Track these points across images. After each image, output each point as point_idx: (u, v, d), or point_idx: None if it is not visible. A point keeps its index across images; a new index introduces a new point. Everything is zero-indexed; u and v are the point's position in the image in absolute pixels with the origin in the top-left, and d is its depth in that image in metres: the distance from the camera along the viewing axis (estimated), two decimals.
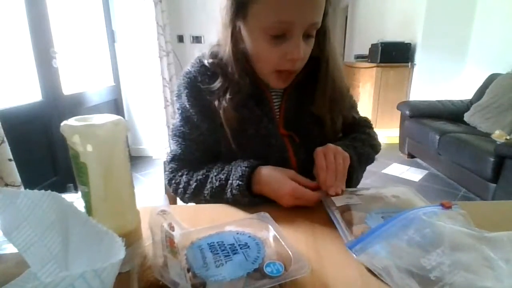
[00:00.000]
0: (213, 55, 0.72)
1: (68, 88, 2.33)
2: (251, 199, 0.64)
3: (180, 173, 0.74)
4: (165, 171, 0.79)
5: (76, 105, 2.44)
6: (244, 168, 0.65)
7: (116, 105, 3.12)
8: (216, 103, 0.69)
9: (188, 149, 0.74)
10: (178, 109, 0.75)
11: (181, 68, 3.25)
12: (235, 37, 0.67)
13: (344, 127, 0.82)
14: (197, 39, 3.31)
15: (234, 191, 0.63)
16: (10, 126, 1.66)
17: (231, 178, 0.65)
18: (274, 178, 0.63)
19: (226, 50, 0.68)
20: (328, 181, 0.62)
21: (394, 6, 4.13)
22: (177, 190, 0.74)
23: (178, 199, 0.94)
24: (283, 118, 0.75)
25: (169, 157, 0.77)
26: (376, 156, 0.83)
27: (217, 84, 0.69)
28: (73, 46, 2.44)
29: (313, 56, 0.69)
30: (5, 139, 1.50)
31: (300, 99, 0.75)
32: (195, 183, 0.69)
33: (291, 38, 0.61)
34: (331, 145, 0.66)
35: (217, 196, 0.67)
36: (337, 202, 0.60)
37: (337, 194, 0.61)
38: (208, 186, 0.68)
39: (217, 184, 0.66)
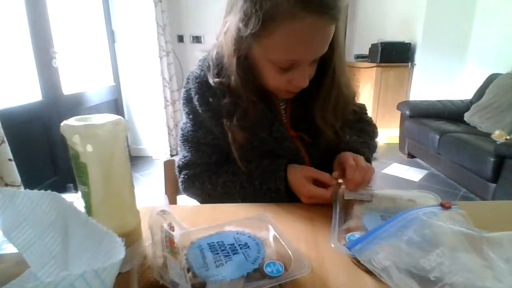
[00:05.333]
0: (218, 69, 0.69)
1: (68, 88, 2.33)
2: (288, 198, 0.68)
3: (200, 180, 0.73)
4: (178, 177, 0.78)
5: (76, 105, 2.44)
6: (281, 173, 0.69)
7: (116, 105, 3.11)
8: (225, 122, 0.68)
9: (203, 153, 0.74)
10: (188, 113, 0.73)
11: (181, 68, 3.25)
12: (243, 62, 0.64)
13: (347, 119, 0.82)
14: (197, 39, 3.31)
15: (273, 194, 0.69)
16: (10, 126, 1.66)
17: (268, 183, 0.69)
18: (294, 180, 0.68)
19: (232, 78, 0.65)
20: (357, 178, 0.64)
21: (394, 6, 4.12)
22: (198, 196, 0.75)
23: (178, 199, 0.94)
24: (289, 120, 0.75)
25: (181, 163, 0.76)
26: (376, 156, 0.85)
27: (226, 101, 0.67)
28: (73, 46, 2.44)
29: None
30: (5, 139, 1.50)
31: (305, 101, 0.75)
32: (223, 189, 0.71)
33: (298, 68, 0.62)
34: (362, 159, 0.70)
35: (250, 198, 0.71)
36: (347, 196, 0.62)
37: (353, 190, 0.65)
38: (240, 191, 0.71)
39: (251, 188, 0.70)
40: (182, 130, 0.75)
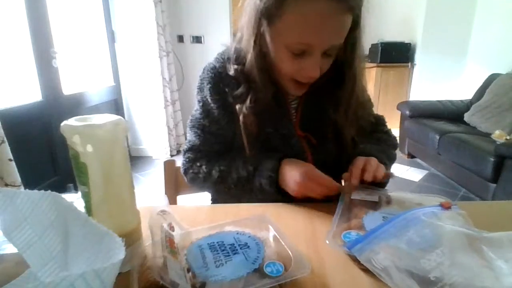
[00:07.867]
0: (237, 58, 0.71)
1: (68, 88, 2.33)
2: (278, 190, 0.68)
3: (198, 163, 0.76)
4: (182, 158, 0.81)
5: (76, 105, 2.43)
6: (275, 161, 0.69)
7: (116, 105, 3.11)
8: (237, 107, 0.70)
9: (207, 141, 0.77)
10: (199, 101, 0.77)
11: (181, 68, 3.25)
12: (259, 43, 0.65)
13: (363, 128, 0.82)
14: (197, 39, 3.30)
15: (263, 180, 0.68)
16: (10, 126, 1.66)
17: (261, 169, 0.69)
18: (289, 169, 0.67)
19: (248, 58, 0.67)
20: (366, 178, 0.63)
21: (394, 6, 4.12)
22: (195, 180, 0.77)
23: (178, 199, 0.94)
24: (299, 120, 0.76)
25: (186, 147, 0.79)
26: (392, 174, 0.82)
27: (240, 90, 0.70)
28: (73, 46, 2.44)
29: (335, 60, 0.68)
30: (5, 139, 1.50)
31: (318, 103, 0.76)
32: (218, 173, 0.73)
33: (310, 56, 0.62)
34: (374, 158, 0.68)
35: (243, 185, 0.71)
36: (354, 196, 0.62)
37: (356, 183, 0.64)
38: (234, 175, 0.71)
39: (244, 173, 0.70)
40: (192, 116, 0.79)
